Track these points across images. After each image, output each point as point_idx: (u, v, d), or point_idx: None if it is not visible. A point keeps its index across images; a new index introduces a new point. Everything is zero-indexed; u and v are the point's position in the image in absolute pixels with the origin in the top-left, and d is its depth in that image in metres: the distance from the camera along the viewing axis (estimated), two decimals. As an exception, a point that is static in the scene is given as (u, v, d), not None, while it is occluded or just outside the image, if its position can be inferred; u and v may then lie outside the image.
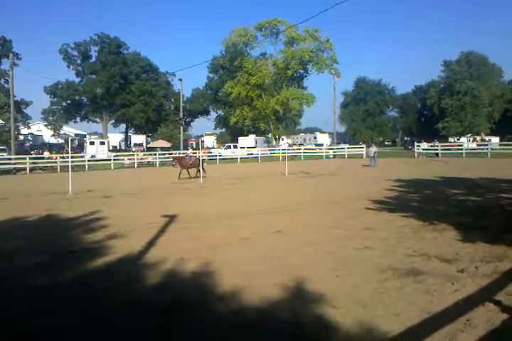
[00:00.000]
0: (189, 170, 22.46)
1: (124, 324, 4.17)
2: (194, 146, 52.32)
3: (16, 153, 36.84)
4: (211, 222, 9.43)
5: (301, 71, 54.38)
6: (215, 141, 75.21)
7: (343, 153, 43.52)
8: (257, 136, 60.94)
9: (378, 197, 12.45)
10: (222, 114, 76.61)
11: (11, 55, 44.00)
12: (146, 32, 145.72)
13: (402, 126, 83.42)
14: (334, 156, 43.79)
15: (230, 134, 76.28)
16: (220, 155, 42.52)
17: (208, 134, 78.78)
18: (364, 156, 40.37)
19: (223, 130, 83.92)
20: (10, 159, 33.09)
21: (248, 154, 44.90)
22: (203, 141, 36.15)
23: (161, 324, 4.15)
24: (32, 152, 46.39)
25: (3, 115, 43.29)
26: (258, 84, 51.00)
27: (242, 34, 52.04)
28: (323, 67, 52.15)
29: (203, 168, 22.08)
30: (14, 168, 32.04)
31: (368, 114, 75.84)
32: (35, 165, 33.45)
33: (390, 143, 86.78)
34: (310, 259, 6.28)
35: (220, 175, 24.08)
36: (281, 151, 41.62)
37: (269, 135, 61.48)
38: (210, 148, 55.06)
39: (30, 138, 65.72)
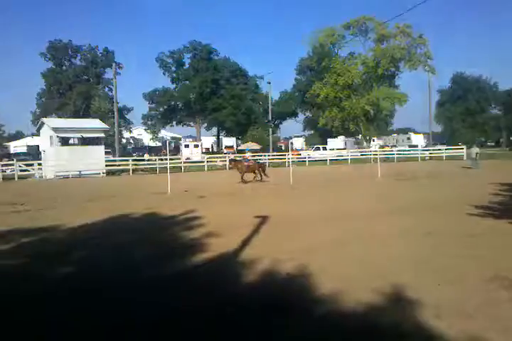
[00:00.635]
0: (245, 174, 21.24)
1: (222, 319, 4.33)
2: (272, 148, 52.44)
3: (120, 156, 39.95)
4: (304, 224, 9.45)
5: (393, 69, 52.40)
6: (304, 142, 75.15)
7: (441, 155, 41.16)
8: (346, 137, 59.84)
9: (482, 202, 11.58)
10: (311, 115, 76.36)
11: (113, 64, 47.87)
12: (235, 37, 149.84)
13: (506, 124, 76.74)
14: (430, 158, 41.61)
15: (319, 136, 75.76)
16: (309, 157, 42.40)
17: (297, 136, 78.93)
18: (464, 158, 37.84)
19: (312, 132, 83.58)
20: (115, 161, 35.95)
21: (338, 156, 44.29)
22: (291, 143, 36.30)
23: (259, 322, 4.24)
24: (134, 154, 49.97)
25: (108, 120, 47.19)
26: (347, 85, 50.00)
27: (329, 34, 51.37)
28: (416, 64, 49.73)
29: (263, 172, 21.41)
30: (119, 170, 34.72)
31: (467, 112, 70.85)
32: (137, 167, 35.96)
33: (493, 144, 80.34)
34: (409, 265, 6.04)
35: (309, 177, 24.04)
36: (372, 153, 40.48)
37: (359, 136, 60.04)
38: (299, 150, 55.15)
39: (132, 142, 70.81)
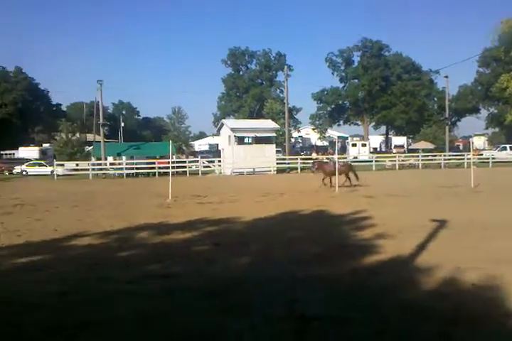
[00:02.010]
0: (332, 177, 18.84)
1: (402, 326, 4.07)
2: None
3: (289, 154, 41.54)
4: (490, 231, 8.41)
5: None
6: (486, 142, 67.46)
7: None
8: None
9: None
10: (496, 111, 68.21)
11: (285, 67, 49.88)
12: (410, 30, 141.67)
13: None
14: None
15: (505, 134, 67.15)
16: (492, 158, 37.93)
17: (478, 135, 71.26)
18: None
19: (496, 130, 74.63)
20: (284, 159, 37.55)
21: (530, 157, 38.66)
22: (472, 142, 32.91)
23: (442, 332, 3.88)
24: (302, 153, 51.43)
25: (278, 121, 49.40)
26: (543, 75, 43.30)
27: (519, 20, 45.09)
28: None
29: (354, 175, 19.01)
30: (288, 168, 36.15)
31: None
32: (305, 165, 36.90)
33: None
34: None
35: (494, 179, 21.46)
36: None
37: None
38: (480, 150, 49.76)
39: (300, 141, 72.94)
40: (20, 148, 49.71)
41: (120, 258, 6.97)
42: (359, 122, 74.24)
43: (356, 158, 43.54)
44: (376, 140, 73.84)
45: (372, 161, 37.45)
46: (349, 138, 67.39)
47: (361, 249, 7.19)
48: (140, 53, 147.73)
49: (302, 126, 77.47)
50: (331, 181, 18.99)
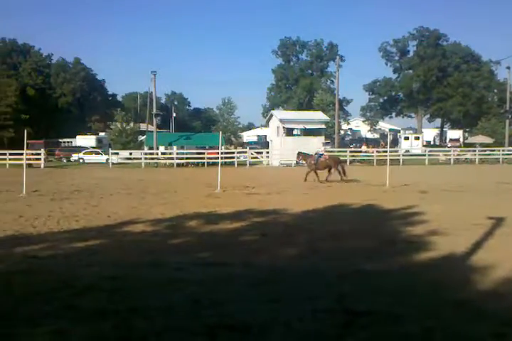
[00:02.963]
0: (316, 171, 18.41)
1: (453, 325, 3.93)
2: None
3: (338, 147, 40.96)
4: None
5: None
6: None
7: None
8: None
9: None
10: None
11: (337, 58, 49.06)
12: (469, 18, 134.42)
13: None
14: None
15: None
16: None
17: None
18: None
19: None
20: (333, 152, 37.04)
21: None
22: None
23: (497, 333, 3.73)
24: (351, 145, 50.56)
25: (328, 112, 48.72)
26: None
27: None
28: None
29: (343, 170, 18.23)
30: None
31: None
32: (354, 158, 36.31)
33: None
34: None
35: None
36: None
37: None
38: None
39: (350, 133, 71.71)
40: (77, 137, 52.03)
41: (171, 246, 7.18)
42: (412, 114, 71.93)
43: (408, 151, 42.30)
44: (430, 133, 71.23)
45: (425, 155, 36.25)
46: (401, 131, 65.40)
47: (412, 245, 7.00)
48: (193, 45, 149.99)
49: (352, 118, 76.07)
50: (317, 174, 18.49)
